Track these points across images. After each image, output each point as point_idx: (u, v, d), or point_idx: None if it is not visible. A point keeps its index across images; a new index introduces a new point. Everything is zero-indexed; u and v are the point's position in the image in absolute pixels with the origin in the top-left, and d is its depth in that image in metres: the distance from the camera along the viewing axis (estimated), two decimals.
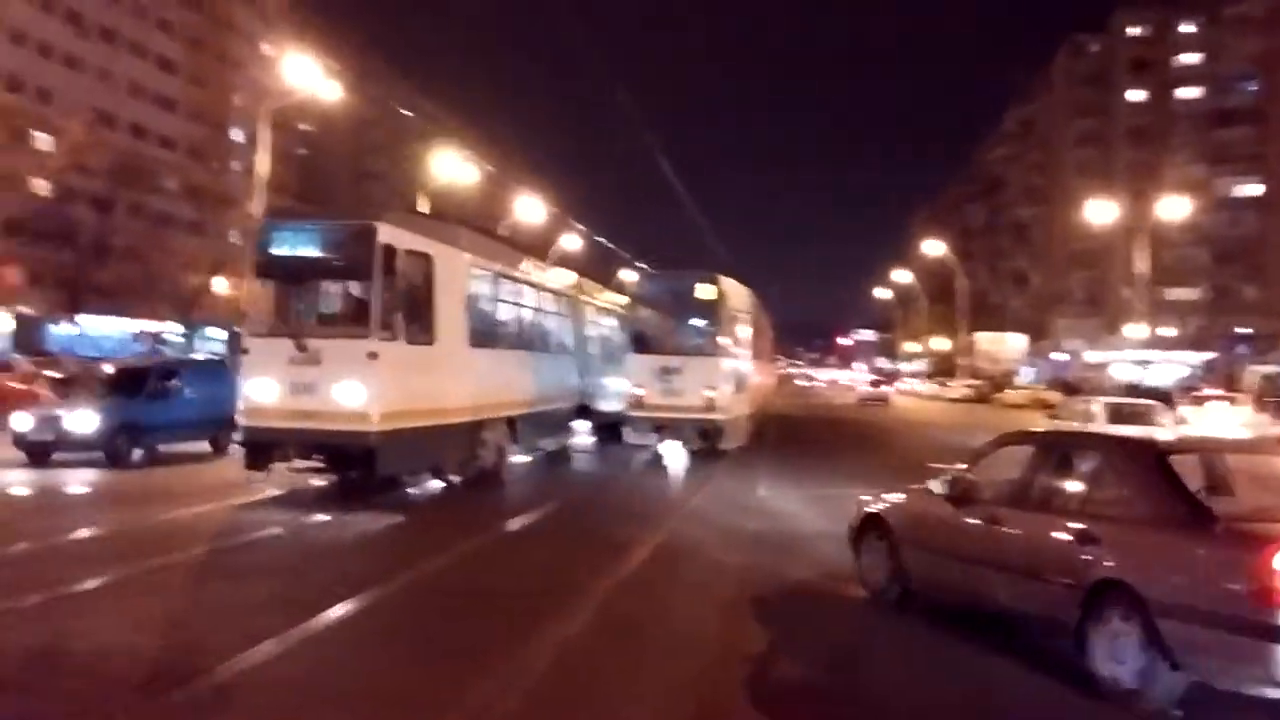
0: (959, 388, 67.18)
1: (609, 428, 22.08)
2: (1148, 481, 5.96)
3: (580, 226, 51.45)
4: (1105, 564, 5.75)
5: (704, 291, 19.65)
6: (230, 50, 71.10)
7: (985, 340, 75.04)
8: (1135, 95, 79.98)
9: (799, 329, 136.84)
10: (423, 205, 36.35)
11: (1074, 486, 6.58)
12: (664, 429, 19.24)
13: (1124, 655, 5.57)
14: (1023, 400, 56.24)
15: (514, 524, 11.65)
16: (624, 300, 24.56)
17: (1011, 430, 8.31)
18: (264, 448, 12.21)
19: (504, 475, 15.38)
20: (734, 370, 20.37)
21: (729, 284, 20.49)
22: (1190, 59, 78.97)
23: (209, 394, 18.58)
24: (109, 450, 16.22)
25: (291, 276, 13.04)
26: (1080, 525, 6.04)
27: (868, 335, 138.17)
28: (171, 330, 58.71)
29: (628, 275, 27.09)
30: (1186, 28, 78.93)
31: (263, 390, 12.06)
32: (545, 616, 7.19)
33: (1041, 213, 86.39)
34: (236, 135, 69.39)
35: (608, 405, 21.82)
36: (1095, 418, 20.35)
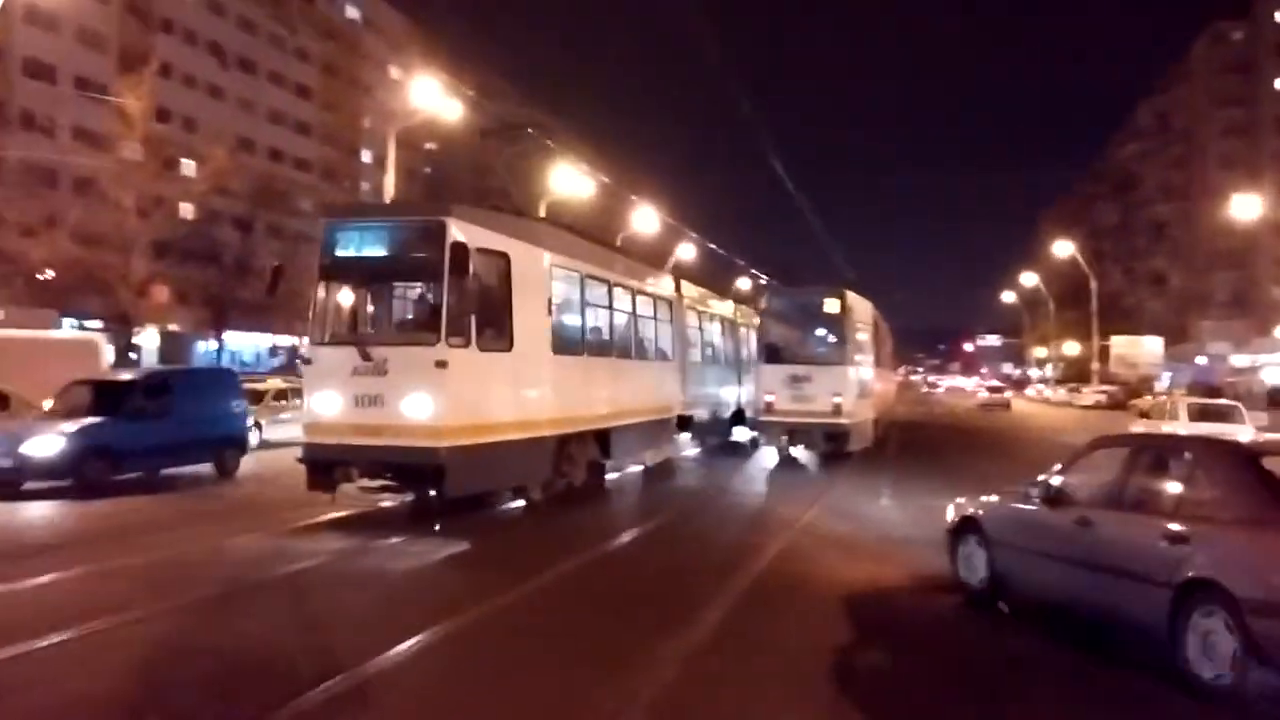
0: (1091, 394, 64.55)
1: (718, 437, 22.20)
2: (1239, 482, 5.98)
3: (695, 236, 51.66)
4: (1197, 563, 5.75)
5: (830, 305, 20.79)
6: (361, 76, 74.28)
7: (1120, 344, 71.81)
8: None
9: (921, 335, 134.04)
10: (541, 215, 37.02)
11: (1166, 488, 6.58)
12: (794, 433, 20.29)
13: (1215, 653, 5.56)
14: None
15: (602, 548, 10.55)
16: (733, 307, 24.67)
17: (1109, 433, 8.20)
18: (327, 466, 11.11)
19: (599, 492, 14.64)
20: (859, 378, 21.22)
21: (853, 297, 21.51)
22: None
23: (210, 409, 16.59)
24: (78, 477, 13.98)
25: (355, 279, 12.01)
26: (1172, 526, 6.05)
27: (993, 340, 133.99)
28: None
29: (745, 283, 27.19)
30: None
31: (325, 403, 11.07)
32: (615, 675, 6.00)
33: (1181, 209, 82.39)
34: (365, 157, 72.43)
35: (715, 413, 21.90)
36: (1179, 417, 21.29)
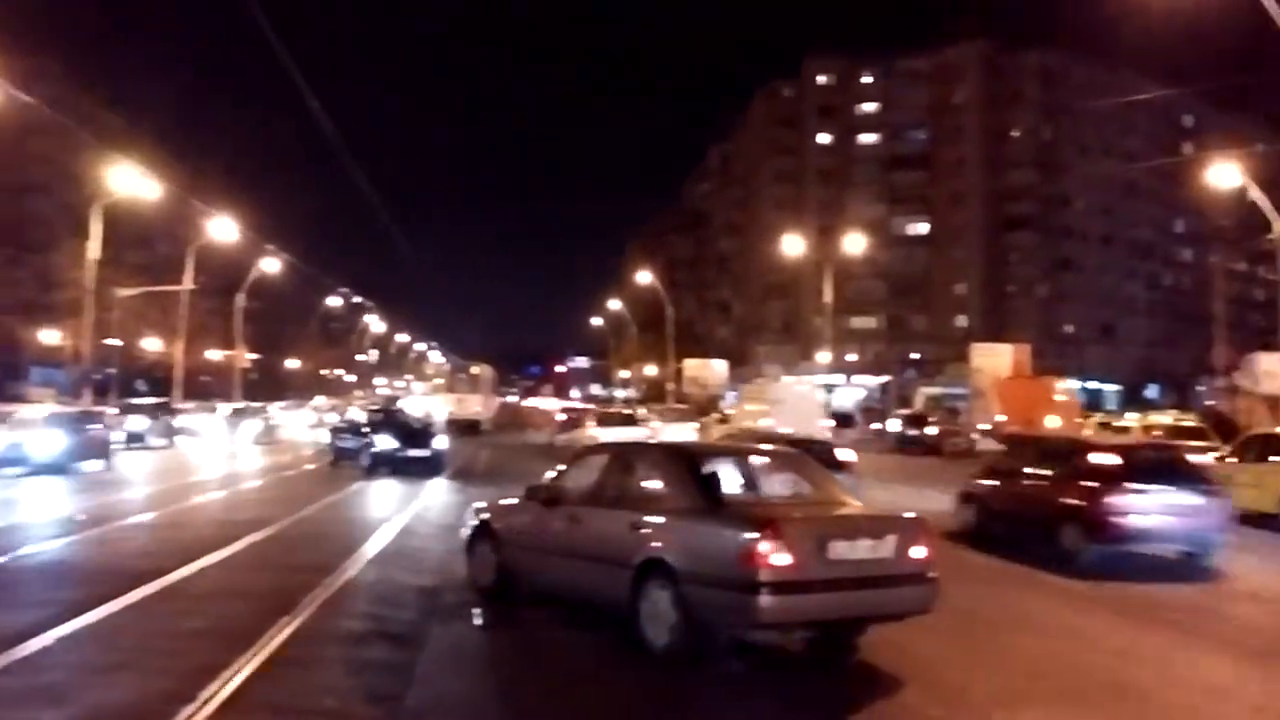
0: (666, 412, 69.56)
1: None
2: (681, 480, 7.17)
3: (275, 249, 49.31)
4: (649, 546, 6.76)
5: (474, 370, 54.88)
6: None
7: (692, 366, 78.31)
8: (823, 138, 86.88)
9: (517, 357, 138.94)
10: (95, 221, 33.54)
11: (632, 486, 7.70)
12: (458, 422, 43.57)
13: (662, 617, 6.56)
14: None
15: None
16: None
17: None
18: None
19: None
20: (484, 399, 52.45)
21: (483, 366, 55.88)
22: (870, 107, 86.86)
23: None
24: None
25: None
26: (634, 516, 7.10)
27: (582, 362, 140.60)
28: None
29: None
30: (866, 78, 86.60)
31: None
32: None
33: (742, 245, 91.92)
34: None
35: None
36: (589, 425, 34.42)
